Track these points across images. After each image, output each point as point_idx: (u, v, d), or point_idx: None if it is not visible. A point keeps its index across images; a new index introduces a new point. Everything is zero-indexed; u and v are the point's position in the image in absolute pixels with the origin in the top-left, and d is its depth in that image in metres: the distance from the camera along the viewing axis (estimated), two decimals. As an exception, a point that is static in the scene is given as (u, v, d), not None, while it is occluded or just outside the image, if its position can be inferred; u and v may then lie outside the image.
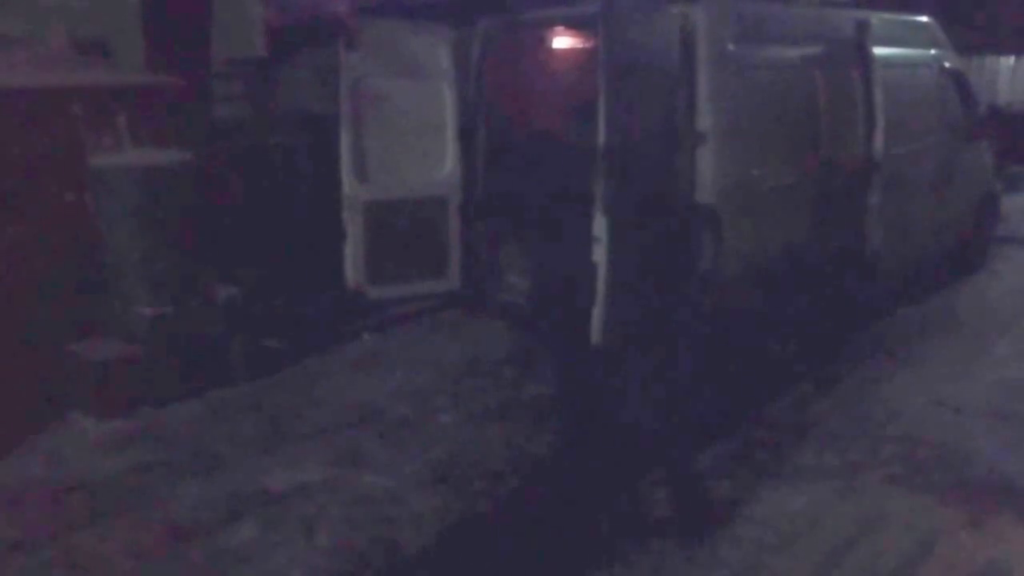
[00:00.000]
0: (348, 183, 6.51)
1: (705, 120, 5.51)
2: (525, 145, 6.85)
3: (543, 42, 7.05)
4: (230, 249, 6.08)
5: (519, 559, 3.99)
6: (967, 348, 6.43)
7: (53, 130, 5.40)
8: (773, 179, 5.92)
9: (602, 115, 5.09)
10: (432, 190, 6.83)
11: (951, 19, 8.49)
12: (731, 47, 5.68)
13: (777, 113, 6.01)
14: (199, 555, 3.96)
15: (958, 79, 7.99)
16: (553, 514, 4.33)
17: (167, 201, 5.54)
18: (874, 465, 4.70)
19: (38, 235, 5.35)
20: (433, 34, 6.81)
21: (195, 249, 5.70)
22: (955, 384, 5.75)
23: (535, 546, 4.06)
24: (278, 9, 8.71)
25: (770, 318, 5.98)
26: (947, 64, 7.83)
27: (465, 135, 6.86)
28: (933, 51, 7.74)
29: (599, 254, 5.20)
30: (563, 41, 7.02)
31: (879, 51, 6.73)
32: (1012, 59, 15.51)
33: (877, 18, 6.97)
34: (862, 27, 6.71)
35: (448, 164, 6.87)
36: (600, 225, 5.19)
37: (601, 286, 5.23)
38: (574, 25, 6.57)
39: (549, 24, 6.77)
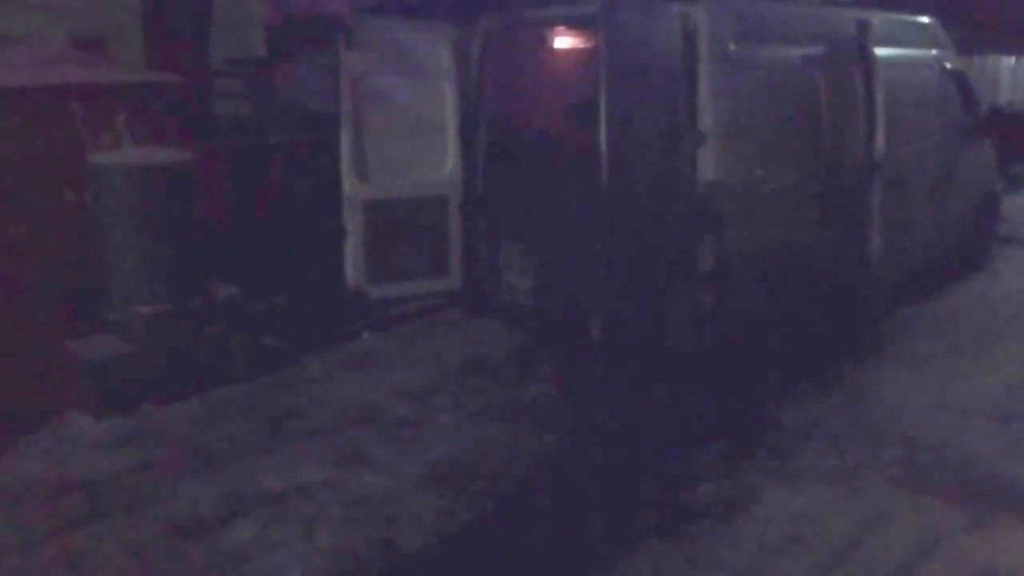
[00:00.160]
0: (348, 182, 6.49)
1: (706, 120, 5.49)
2: (526, 144, 6.84)
3: (544, 41, 7.03)
4: (230, 248, 6.07)
5: (519, 560, 3.97)
6: (968, 349, 6.42)
7: (52, 129, 5.39)
8: (774, 179, 5.90)
9: (603, 115, 5.08)
10: (433, 189, 6.82)
11: (952, 19, 8.47)
12: (732, 47, 5.66)
13: (778, 113, 6.00)
14: (198, 555, 3.95)
15: (959, 79, 7.98)
16: (553, 514, 4.32)
17: (166, 200, 5.53)
18: (875, 466, 4.69)
19: (37, 233, 5.34)
20: (434, 33, 6.80)
21: (194, 248, 5.69)
22: (956, 385, 5.74)
23: (535, 547, 4.05)
24: (278, 8, 8.70)
25: (771, 318, 5.97)
26: (948, 64, 7.82)
27: (466, 134, 6.84)
28: (934, 51, 7.73)
29: (600, 254, 5.19)
30: (564, 40, 7.00)
31: (880, 51, 6.72)
32: (1013, 59, 15.51)
33: (878, 18, 6.96)
34: (863, 27, 6.70)
35: (449, 163, 6.86)
36: (601, 225, 5.17)
37: (602, 286, 5.21)
38: (575, 24, 6.56)
39: (550, 23, 6.75)
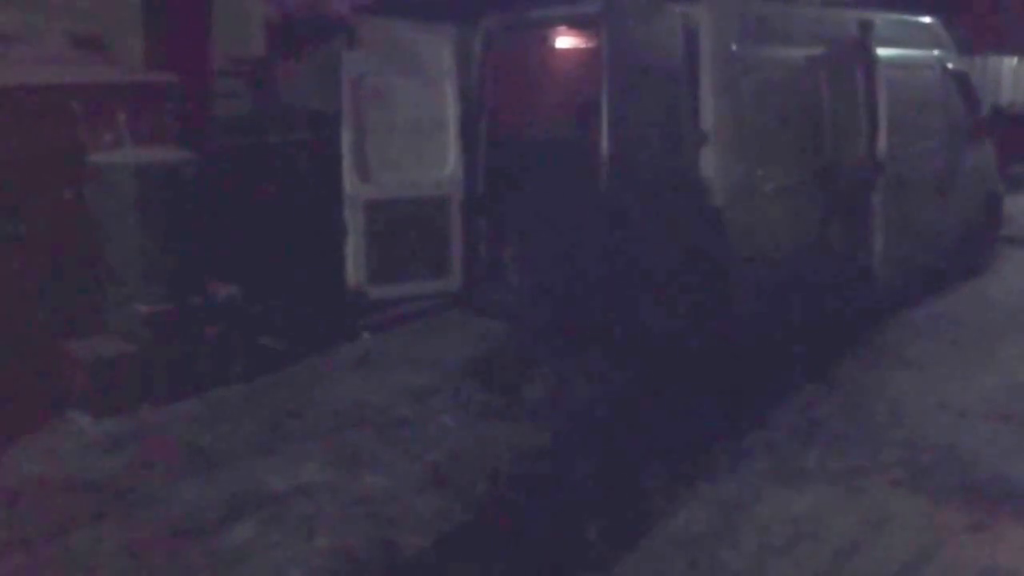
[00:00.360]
0: (349, 182, 6.49)
1: (708, 120, 5.48)
2: (527, 144, 6.83)
3: (545, 41, 7.03)
4: (230, 248, 6.06)
5: (519, 561, 3.96)
6: (970, 350, 6.41)
7: (52, 127, 5.38)
8: (776, 179, 5.90)
9: (605, 115, 5.08)
10: (434, 189, 6.81)
11: (954, 19, 8.45)
12: (734, 47, 5.66)
13: (781, 113, 5.99)
14: (198, 555, 3.94)
15: (961, 79, 7.97)
16: (553, 515, 4.31)
17: (166, 199, 5.52)
18: (877, 468, 4.67)
19: (37, 232, 5.33)
20: (435, 33, 6.79)
21: (194, 247, 5.68)
22: (958, 386, 5.72)
23: (535, 548, 4.04)
24: (279, 7, 8.69)
25: (773, 318, 5.96)
26: (950, 64, 7.81)
27: (467, 134, 6.83)
28: (936, 51, 7.72)
29: (601, 253, 5.18)
30: (565, 40, 7.00)
31: (882, 51, 6.70)
32: (1015, 59, 15.47)
33: (880, 18, 6.95)
34: (865, 27, 6.69)
35: (450, 163, 6.85)
36: (602, 224, 5.17)
37: (604, 286, 5.20)
38: (577, 24, 6.56)
39: (552, 23, 6.75)
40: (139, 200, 5.44)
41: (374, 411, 5.38)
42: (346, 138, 6.44)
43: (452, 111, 6.82)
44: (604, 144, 5.11)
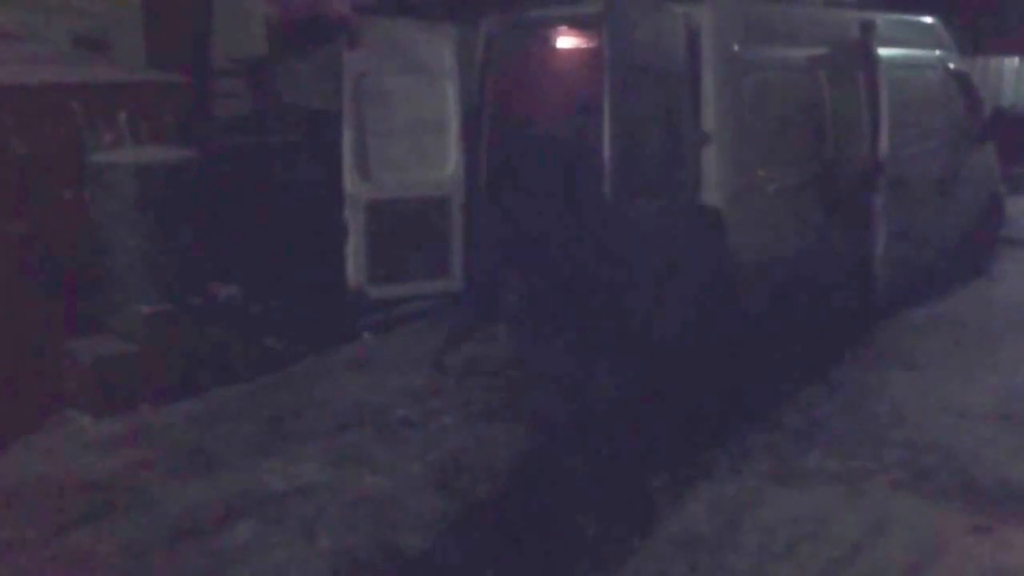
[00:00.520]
0: (350, 181, 6.47)
1: (710, 120, 5.47)
2: (529, 144, 6.81)
3: (547, 41, 7.01)
4: (230, 248, 6.05)
5: (520, 561, 3.95)
6: (972, 351, 6.40)
7: (53, 127, 5.38)
8: (778, 180, 5.89)
9: (607, 116, 5.06)
10: (435, 189, 6.79)
11: (956, 20, 8.44)
12: (736, 48, 5.65)
13: (782, 114, 5.98)
14: (198, 555, 3.93)
15: (963, 80, 7.95)
16: (554, 516, 4.30)
17: (167, 199, 5.52)
18: (879, 469, 4.67)
19: (37, 232, 5.33)
20: (437, 32, 6.78)
21: (195, 247, 5.68)
22: (960, 387, 5.71)
23: (536, 549, 4.03)
24: (280, 6, 8.69)
25: (774, 319, 5.95)
26: (952, 65, 7.80)
27: (468, 134, 6.82)
28: (938, 52, 7.70)
29: (603, 254, 5.17)
30: (567, 41, 6.98)
31: (884, 52, 6.69)
32: (1017, 60, 15.45)
33: (882, 19, 6.94)
34: (867, 28, 6.68)
35: (451, 163, 6.83)
36: (605, 225, 5.15)
37: (606, 286, 5.19)
38: (578, 24, 6.53)
39: (553, 23, 6.73)
40: (139, 200, 5.44)
41: (374, 411, 5.37)
42: (347, 138, 6.43)
43: (453, 111, 6.80)
44: (606, 145, 5.09)
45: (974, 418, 5.28)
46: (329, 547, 3.99)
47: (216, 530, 4.11)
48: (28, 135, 5.28)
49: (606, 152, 5.09)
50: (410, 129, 6.69)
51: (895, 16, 7.34)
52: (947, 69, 7.73)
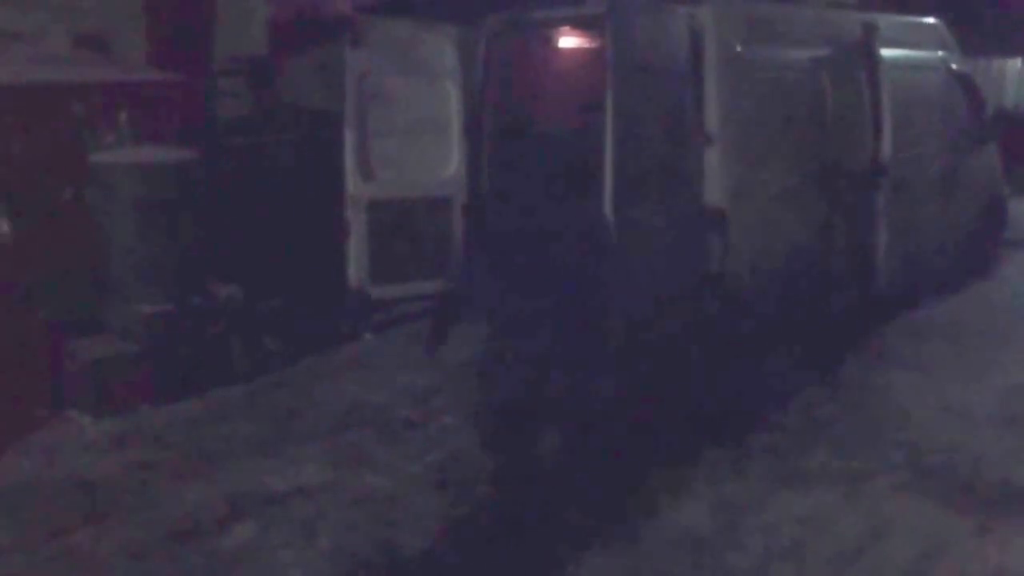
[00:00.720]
0: (352, 182, 6.46)
1: (712, 121, 5.46)
2: (531, 145, 6.80)
3: (549, 41, 7.01)
4: (231, 247, 6.04)
5: (520, 562, 3.94)
6: (974, 353, 6.38)
7: (54, 127, 5.38)
8: (780, 181, 5.88)
9: (609, 115, 5.05)
10: (437, 189, 6.78)
11: (958, 21, 8.43)
12: (739, 49, 5.64)
13: (785, 115, 5.97)
14: (198, 555, 3.92)
15: (965, 81, 7.94)
16: (555, 517, 4.28)
17: (168, 199, 5.51)
18: (881, 470, 4.65)
19: (38, 232, 5.32)
20: (438, 32, 6.77)
21: (195, 247, 5.67)
22: (963, 389, 5.69)
23: (537, 549, 4.02)
24: (281, 6, 8.68)
25: (776, 320, 5.93)
26: (954, 66, 7.78)
27: (470, 134, 6.81)
28: (940, 53, 7.69)
29: (606, 255, 5.15)
30: (569, 41, 6.97)
31: (886, 53, 6.68)
32: (1019, 61, 15.44)
33: (884, 20, 6.93)
34: (869, 29, 6.67)
35: (453, 164, 6.82)
36: (608, 226, 5.14)
37: (608, 287, 5.18)
38: (581, 25, 6.53)
39: (556, 24, 6.72)
40: (140, 200, 5.43)
41: (374, 411, 5.36)
42: (348, 138, 6.42)
43: (455, 111, 6.79)
44: (608, 145, 5.08)
45: (976, 419, 5.27)
46: (329, 547, 3.98)
47: (216, 530, 4.10)
48: (29, 135, 5.27)
49: (608, 151, 5.08)
50: (411, 129, 6.69)
51: (897, 17, 7.33)
52: (949, 70, 7.72)
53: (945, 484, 4.53)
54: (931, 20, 7.83)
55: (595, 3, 5.55)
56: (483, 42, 6.72)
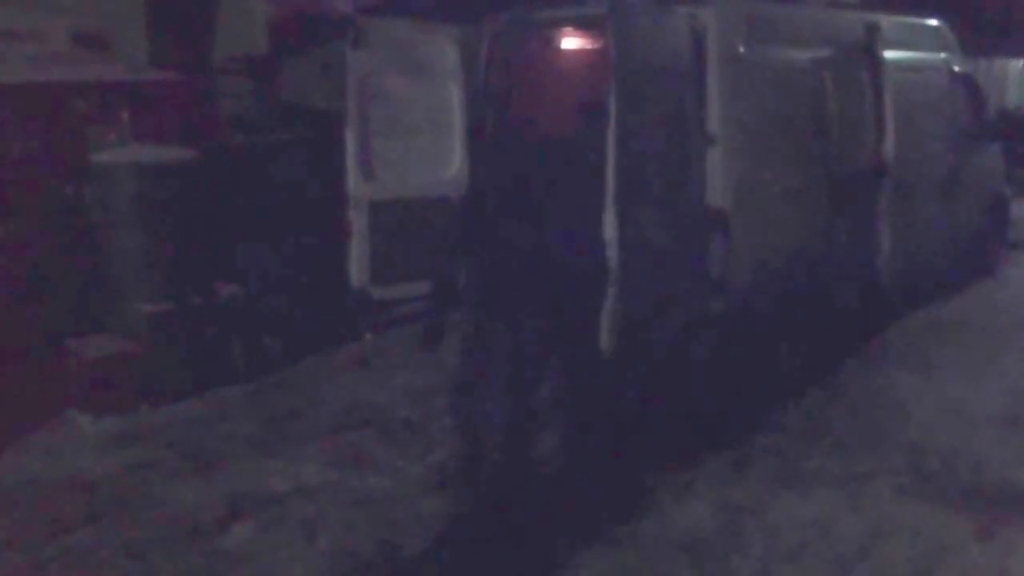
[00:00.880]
0: (353, 182, 6.45)
1: (715, 122, 5.45)
2: (533, 145, 6.79)
3: (551, 42, 6.99)
4: (231, 247, 6.04)
5: (521, 562, 3.93)
6: (977, 355, 6.37)
7: (55, 126, 5.37)
8: (783, 182, 5.86)
9: (612, 116, 5.03)
10: (438, 190, 6.77)
11: (960, 21, 8.41)
12: (741, 49, 5.62)
13: (787, 116, 5.95)
14: (198, 556, 3.92)
15: (968, 82, 7.93)
16: (556, 519, 4.27)
17: (169, 198, 5.50)
18: (883, 473, 4.63)
19: (38, 231, 5.31)
20: (440, 33, 6.76)
21: (196, 247, 5.66)
22: (965, 391, 5.68)
23: (538, 551, 4.01)
24: (282, 5, 8.68)
25: (779, 322, 5.92)
26: (956, 67, 7.77)
27: (472, 135, 6.80)
28: (942, 54, 7.68)
29: (608, 256, 5.14)
30: (572, 41, 6.96)
31: (889, 54, 6.67)
32: (1021, 62, 15.44)
33: (887, 20, 6.91)
34: (872, 29, 6.65)
35: (455, 164, 6.81)
36: (610, 227, 5.13)
37: (610, 289, 5.16)
38: (583, 25, 6.52)
39: (558, 24, 6.71)
40: (141, 199, 5.42)
41: (375, 412, 5.36)
42: (350, 138, 6.40)
43: (457, 112, 6.78)
44: (611, 145, 5.06)
45: (979, 421, 5.25)
46: (329, 547, 3.97)
47: (216, 530, 4.09)
48: (30, 134, 5.27)
49: (611, 152, 5.07)
50: (413, 130, 6.67)
51: (899, 18, 7.31)
52: (952, 71, 7.71)
53: (947, 486, 4.51)
54: (933, 21, 7.82)
55: (597, 3, 5.54)
56: (485, 42, 6.71)
